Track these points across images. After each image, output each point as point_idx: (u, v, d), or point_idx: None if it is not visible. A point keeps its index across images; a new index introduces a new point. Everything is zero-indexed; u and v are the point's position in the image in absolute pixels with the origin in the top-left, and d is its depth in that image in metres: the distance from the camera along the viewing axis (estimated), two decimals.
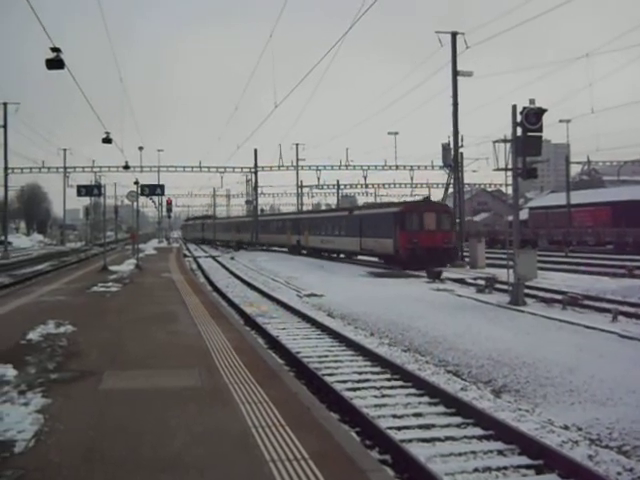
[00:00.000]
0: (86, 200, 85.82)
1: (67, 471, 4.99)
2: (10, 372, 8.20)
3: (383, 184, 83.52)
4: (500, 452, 7.39)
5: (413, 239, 33.82)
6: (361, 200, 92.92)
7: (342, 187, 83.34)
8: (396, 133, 65.48)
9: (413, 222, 35.26)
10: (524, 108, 18.65)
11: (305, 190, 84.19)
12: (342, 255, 45.44)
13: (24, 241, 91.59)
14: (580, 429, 8.11)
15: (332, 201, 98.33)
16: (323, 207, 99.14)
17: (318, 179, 74.20)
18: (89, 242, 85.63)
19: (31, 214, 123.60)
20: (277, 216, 76.10)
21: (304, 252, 51.82)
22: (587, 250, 44.94)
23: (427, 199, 41.73)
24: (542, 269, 26.19)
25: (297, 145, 70.83)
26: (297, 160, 70.69)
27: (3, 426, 6.05)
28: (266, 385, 7.62)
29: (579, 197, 64.52)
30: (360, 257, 41.33)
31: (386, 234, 35.90)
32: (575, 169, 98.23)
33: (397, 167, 69.01)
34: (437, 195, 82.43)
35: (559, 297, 19.02)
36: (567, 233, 52.00)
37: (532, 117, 18.56)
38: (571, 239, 50.18)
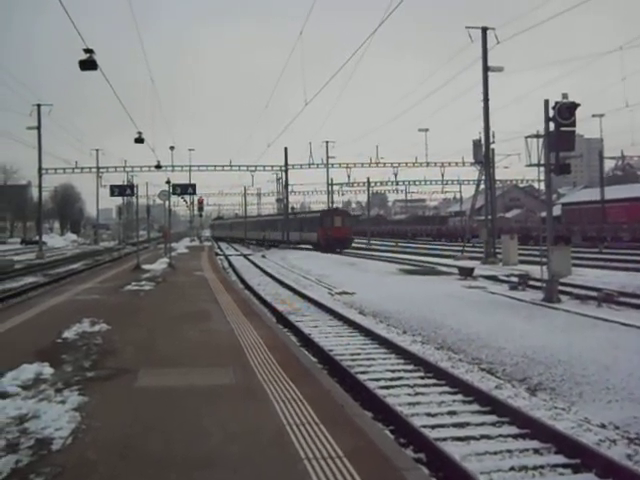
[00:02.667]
0: (119, 199, 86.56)
1: (103, 468, 5.03)
2: (47, 370, 8.30)
3: (414, 181, 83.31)
4: (536, 451, 7.30)
5: (328, 232, 55.87)
6: (391, 197, 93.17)
7: (372, 185, 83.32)
8: (426, 130, 65.17)
9: (328, 222, 57.35)
10: (556, 103, 18.42)
11: (335, 188, 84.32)
12: (291, 245, 63.57)
13: (58, 241, 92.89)
14: (618, 428, 7.99)
15: (362, 198, 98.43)
16: (353, 205, 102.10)
17: (348, 177, 74.34)
18: (122, 241, 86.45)
19: (65, 214, 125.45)
20: (253, 218, 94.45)
21: (266, 243, 71.65)
22: (622, 246, 44.25)
23: (336, 208, 71.63)
24: (576, 265, 25.86)
25: (327, 143, 70.86)
26: (327, 158, 70.65)
27: (41, 424, 6.12)
28: (299, 383, 7.63)
29: (613, 192, 63.70)
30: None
31: (313, 230, 58.81)
32: (609, 164, 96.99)
33: (428, 164, 68.60)
34: (469, 191, 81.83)
35: (594, 294, 18.73)
36: (601, 229, 51.29)
37: (565, 112, 18.31)
38: (605, 235, 49.47)
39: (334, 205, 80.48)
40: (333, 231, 56.00)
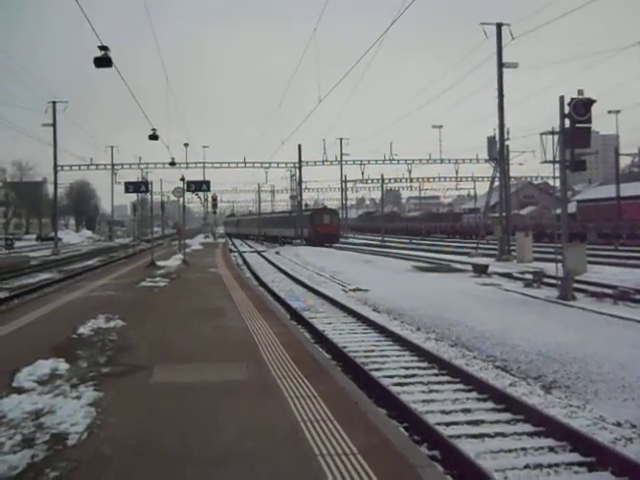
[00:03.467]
0: (133, 196, 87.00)
1: (119, 464, 5.06)
2: (62, 366, 8.35)
3: (428, 178, 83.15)
4: (551, 449, 7.27)
5: (317, 229, 62.06)
6: (405, 194, 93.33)
7: (386, 181, 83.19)
8: (440, 126, 65.04)
9: (317, 219, 63.40)
10: (572, 99, 18.30)
11: (349, 184, 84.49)
12: (285, 239, 69.66)
13: (73, 237, 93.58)
14: (634, 426, 7.94)
15: (376, 195, 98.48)
16: (367, 202, 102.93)
17: (362, 173, 74.22)
18: (136, 238, 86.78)
19: (80, 211, 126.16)
20: (254, 216, 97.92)
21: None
22: (638, 243, 43.84)
23: (325, 207, 75.82)
24: (591, 263, 25.76)
25: (341, 140, 70.86)
26: (341, 155, 70.71)
27: (57, 419, 6.16)
28: (314, 379, 7.63)
29: (629, 189, 63.28)
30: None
31: (305, 226, 63.84)
32: (625, 161, 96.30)
33: (442, 161, 68.41)
34: (483, 188, 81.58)
35: (610, 291, 18.59)
36: (617, 226, 50.91)
37: (580, 108, 18.20)
38: (621, 232, 49.08)
39: (347, 202, 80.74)
40: (322, 228, 62.36)
